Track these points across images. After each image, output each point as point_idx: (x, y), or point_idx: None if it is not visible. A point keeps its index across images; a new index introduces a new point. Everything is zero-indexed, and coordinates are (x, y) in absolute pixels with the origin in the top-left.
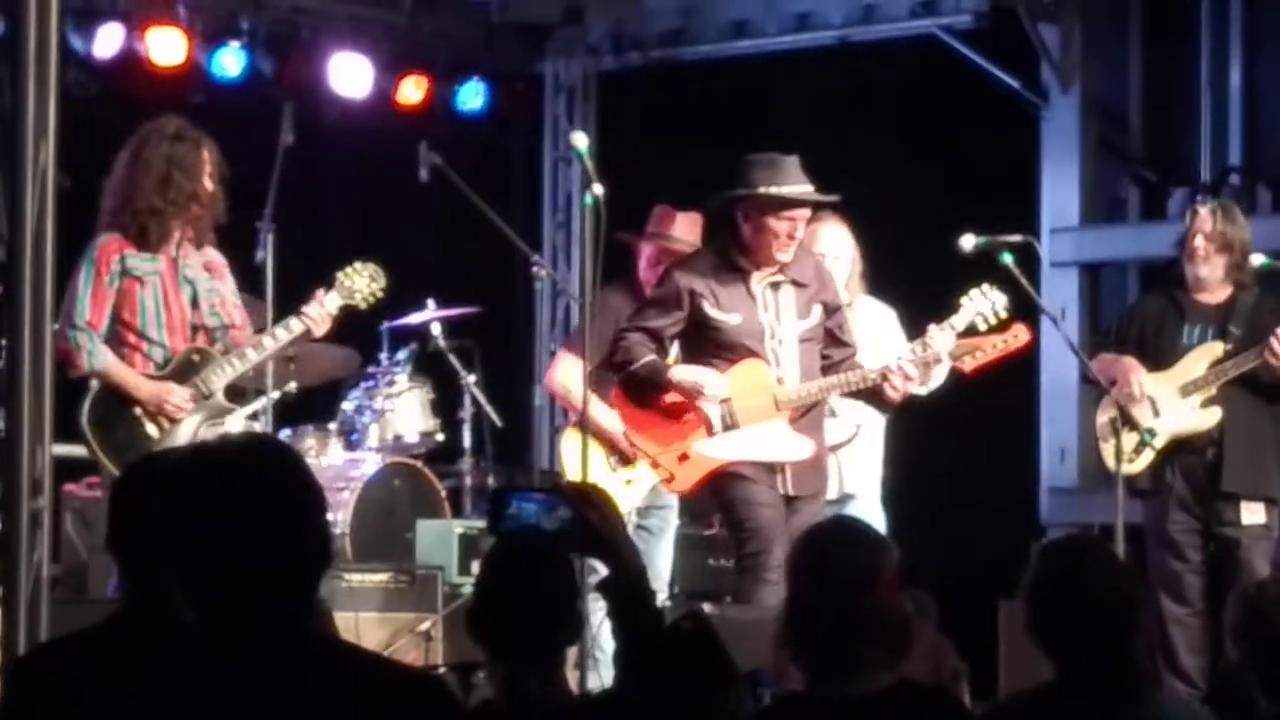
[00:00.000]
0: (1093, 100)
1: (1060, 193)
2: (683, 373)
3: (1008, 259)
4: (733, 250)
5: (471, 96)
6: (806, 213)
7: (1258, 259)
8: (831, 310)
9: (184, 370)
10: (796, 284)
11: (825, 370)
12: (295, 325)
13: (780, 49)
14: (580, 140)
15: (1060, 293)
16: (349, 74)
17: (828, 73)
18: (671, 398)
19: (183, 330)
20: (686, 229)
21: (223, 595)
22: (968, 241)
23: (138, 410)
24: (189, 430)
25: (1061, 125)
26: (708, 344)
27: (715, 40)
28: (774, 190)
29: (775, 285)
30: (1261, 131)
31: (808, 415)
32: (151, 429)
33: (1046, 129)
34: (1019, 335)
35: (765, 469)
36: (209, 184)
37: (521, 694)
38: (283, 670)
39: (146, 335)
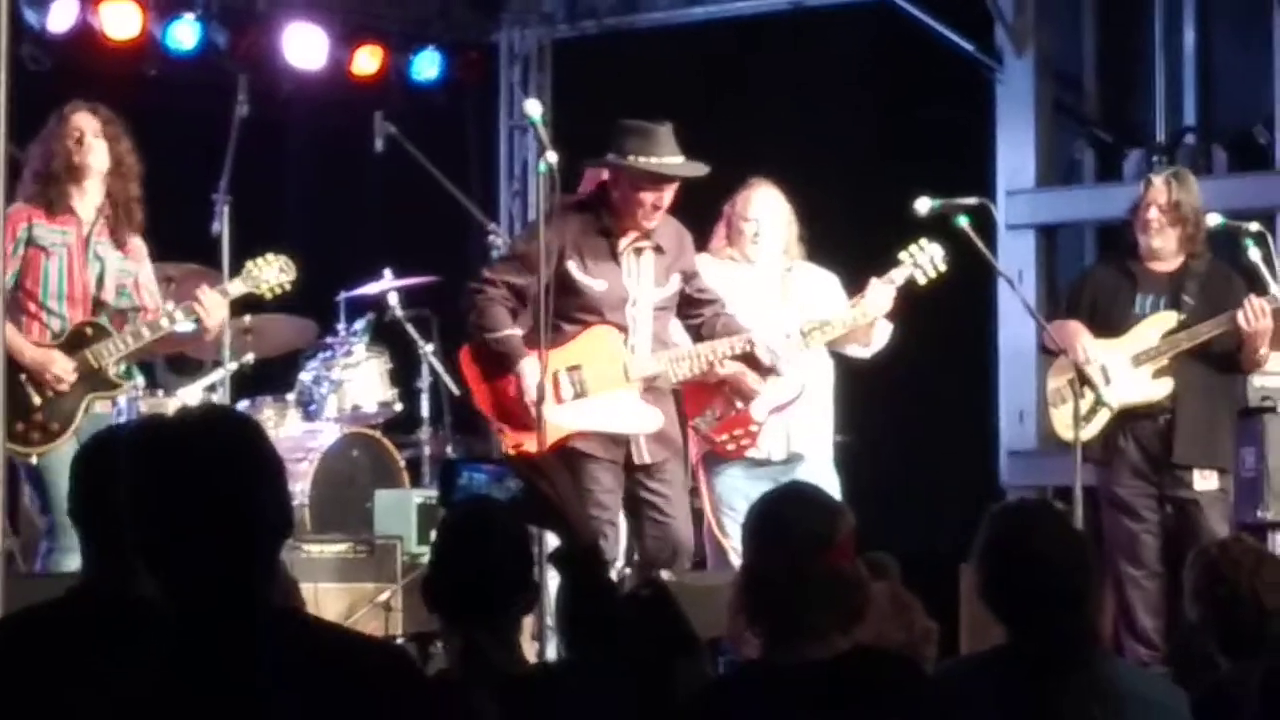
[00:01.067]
0: (1047, 62)
1: (1015, 155)
2: (532, 377)
3: (963, 222)
4: (603, 213)
5: (426, 66)
6: (674, 184)
7: (1213, 219)
8: (689, 276)
9: (75, 342)
10: (658, 250)
11: (697, 330)
12: (182, 317)
13: (735, 14)
14: (534, 108)
15: (1017, 256)
16: (303, 45)
17: (782, 38)
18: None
19: (84, 304)
20: None
21: (182, 566)
22: (923, 205)
23: (22, 376)
24: (73, 402)
25: (1016, 88)
26: (569, 304)
27: (669, 7)
28: (642, 160)
29: (639, 251)
30: (1216, 92)
31: (655, 390)
32: (35, 396)
33: (1001, 92)
34: (880, 303)
35: (612, 442)
36: (81, 151)
37: (478, 663)
38: (243, 641)
39: (46, 305)
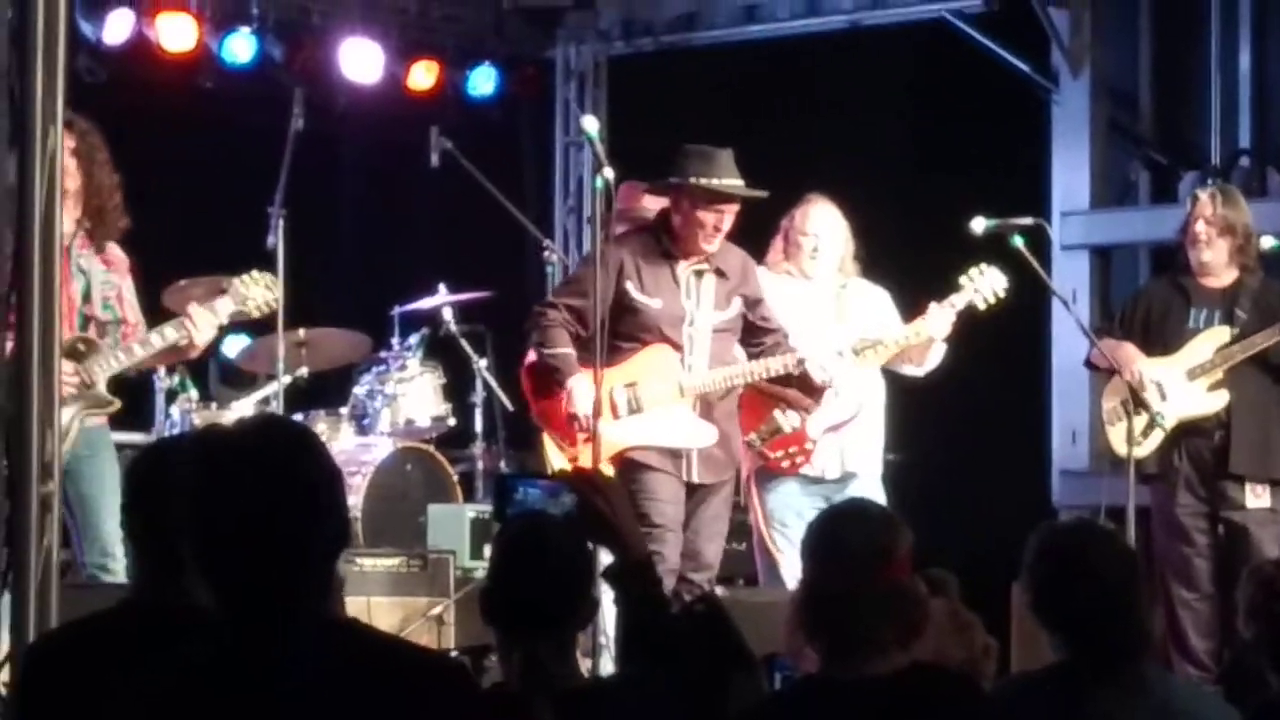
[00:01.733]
0: (1103, 84)
1: (1071, 176)
2: (578, 391)
3: (1019, 242)
4: (663, 235)
5: (482, 82)
6: (735, 206)
7: (1267, 241)
8: (753, 303)
9: (69, 356)
10: (720, 274)
11: (758, 357)
12: (170, 333)
13: (791, 33)
14: (591, 124)
15: (1071, 276)
16: (359, 60)
17: (839, 57)
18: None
19: (69, 318)
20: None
21: (237, 575)
22: (979, 224)
23: None
24: (66, 418)
25: (1072, 109)
26: (627, 323)
27: (726, 25)
28: (704, 182)
29: (699, 273)
30: (1270, 114)
31: (722, 404)
32: None
33: (1057, 113)
34: (936, 328)
35: (669, 455)
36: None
37: (538, 676)
38: (298, 652)
39: None
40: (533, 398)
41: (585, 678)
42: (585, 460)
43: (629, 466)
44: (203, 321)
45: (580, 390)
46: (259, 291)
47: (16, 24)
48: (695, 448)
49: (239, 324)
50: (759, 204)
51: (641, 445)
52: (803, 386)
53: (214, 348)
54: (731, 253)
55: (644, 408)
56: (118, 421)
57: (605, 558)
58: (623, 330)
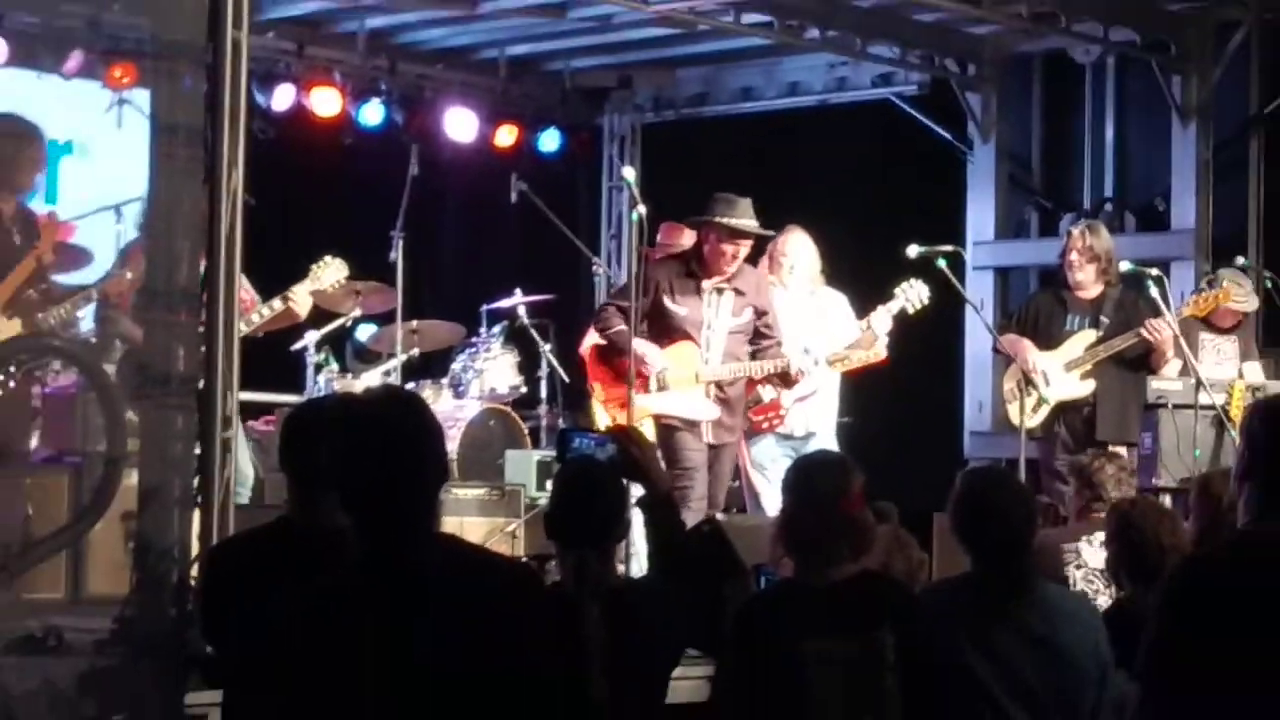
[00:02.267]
0: (1004, 148)
1: (980, 216)
2: (641, 345)
3: (942, 263)
4: (693, 260)
5: (549, 141)
6: (749, 241)
7: (1124, 265)
8: (760, 313)
9: None
10: (737, 291)
11: (753, 355)
12: (277, 304)
13: (776, 109)
14: (629, 173)
15: (980, 289)
16: (459, 123)
17: (812, 126)
18: (624, 362)
19: None
20: (685, 239)
21: (369, 504)
22: (912, 250)
23: None
24: None
25: (981, 166)
26: (661, 324)
27: (729, 102)
28: (727, 221)
29: (720, 291)
30: (1127, 172)
31: (731, 388)
32: None
33: (971, 169)
34: (880, 354)
35: (688, 423)
36: None
37: (586, 576)
38: (417, 557)
39: None
40: (592, 369)
41: (621, 579)
42: (624, 420)
43: (664, 428)
44: (299, 295)
45: (643, 345)
46: (330, 273)
47: (210, 95)
48: (701, 420)
49: (368, 315)
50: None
51: (665, 414)
52: (782, 378)
53: (349, 332)
54: (749, 274)
55: (668, 387)
56: (277, 385)
57: (638, 491)
58: (657, 328)
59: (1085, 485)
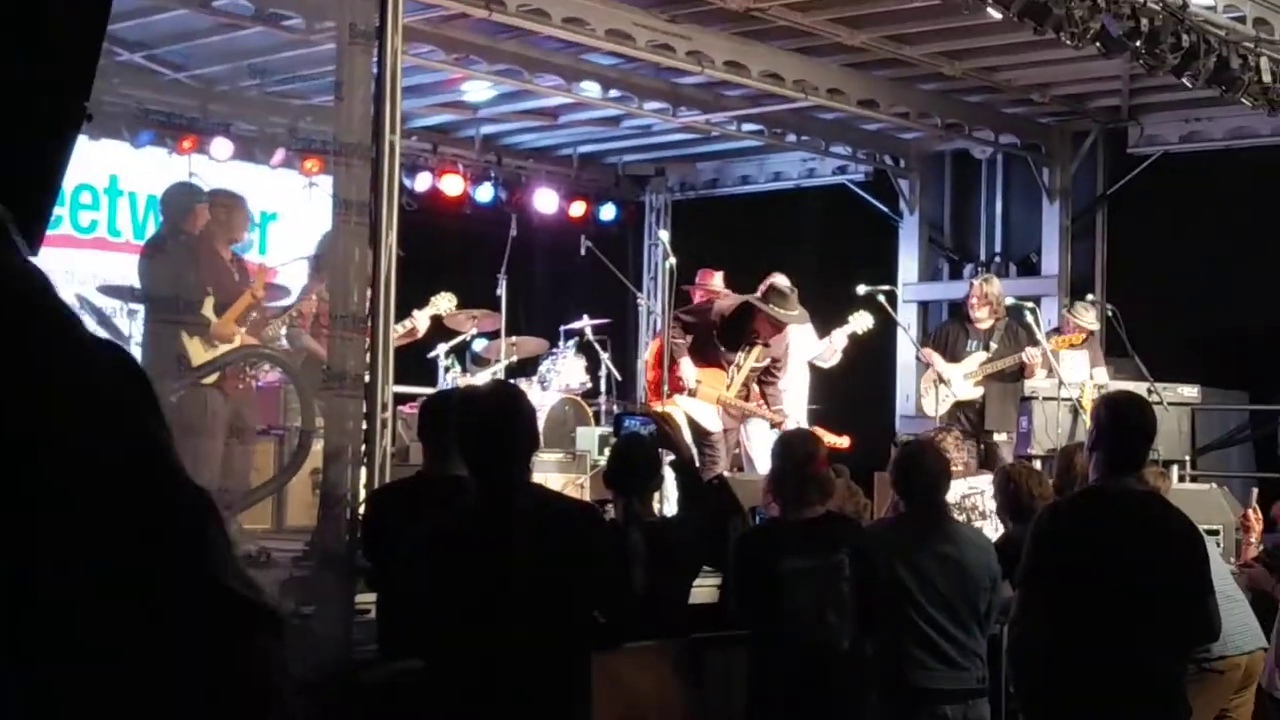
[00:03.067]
0: (925, 218)
1: (908, 265)
2: (685, 367)
3: (881, 298)
4: (744, 321)
5: (607, 212)
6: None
7: (1009, 300)
8: (775, 360)
9: None
10: (765, 345)
11: (760, 384)
12: (406, 324)
13: (765, 190)
14: (663, 235)
15: (907, 316)
16: (545, 200)
17: (790, 203)
18: (675, 369)
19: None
20: (714, 280)
21: (485, 462)
22: (860, 289)
23: None
24: None
25: (909, 231)
26: (705, 348)
27: (733, 185)
28: (779, 316)
29: (752, 345)
30: (1011, 235)
31: (736, 414)
32: None
33: (902, 233)
34: (843, 443)
35: (698, 430)
36: None
37: (631, 514)
38: (518, 499)
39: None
40: (651, 367)
41: (658, 517)
42: (658, 405)
43: (689, 417)
44: (420, 318)
45: (686, 367)
46: (444, 302)
47: (373, 180)
48: (709, 429)
49: (481, 333)
50: (752, 273)
51: (691, 415)
52: (773, 424)
53: (468, 345)
54: (779, 338)
55: (698, 396)
56: (419, 381)
57: (671, 458)
58: (702, 349)
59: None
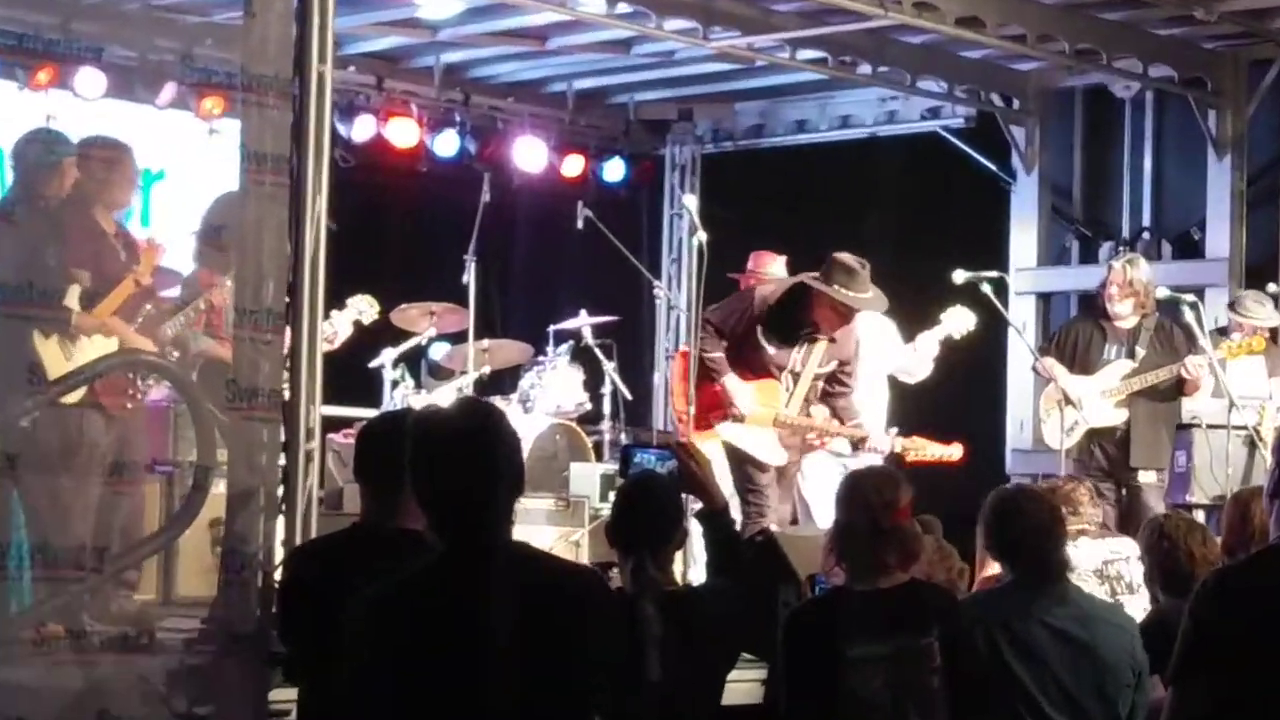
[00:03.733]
0: (1046, 180)
1: (1023, 244)
2: (731, 384)
3: (986, 288)
4: (797, 309)
5: (613, 170)
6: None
7: (1161, 292)
8: (843, 363)
9: None
10: (831, 340)
11: (826, 397)
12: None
13: (829, 141)
14: (690, 201)
15: (1022, 312)
16: (528, 153)
17: (863, 157)
18: (714, 387)
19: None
20: (773, 266)
21: (449, 511)
22: (959, 276)
23: None
24: None
25: (1025, 196)
26: (748, 355)
27: (784, 134)
28: (845, 294)
29: (814, 340)
30: (1164, 202)
31: (798, 440)
32: None
33: (1015, 199)
34: (954, 454)
35: (751, 462)
36: None
37: (643, 581)
38: (490, 562)
39: None
40: (678, 380)
41: (680, 584)
42: (695, 438)
43: (735, 451)
44: (340, 324)
45: (736, 389)
46: (364, 306)
47: (295, 125)
48: (770, 463)
49: (442, 334)
50: (810, 255)
51: (735, 446)
52: (854, 444)
53: (424, 350)
54: (847, 330)
55: (745, 420)
56: (357, 399)
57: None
58: (744, 357)
59: (1063, 503)
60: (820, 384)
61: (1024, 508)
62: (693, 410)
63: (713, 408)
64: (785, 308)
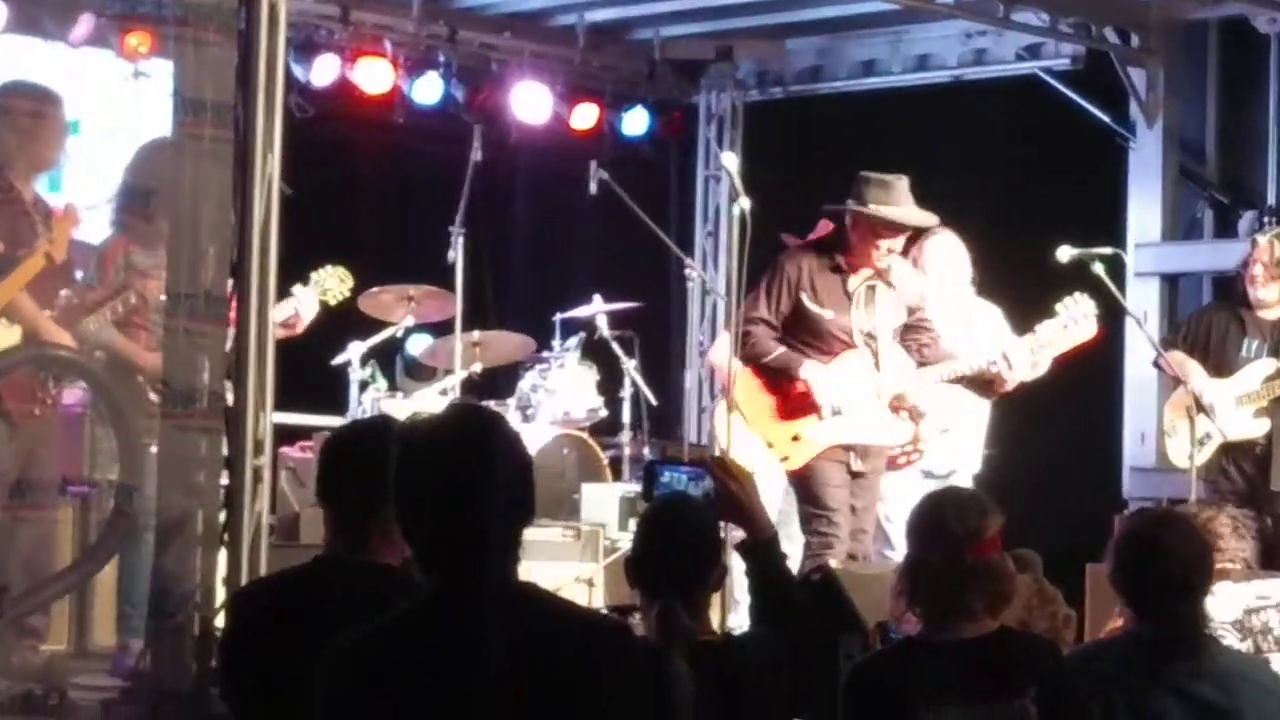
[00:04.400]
0: (1174, 134)
1: (1144, 213)
2: (812, 374)
3: (1099, 268)
4: (837, 251)
5: (635, 122)
6: (908, 232)
7: None
8: (913, 309)
9: None
10: (890, 285)
11: (918, 352)
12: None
13: (903, 86)
14: (730, 160)
15: (1143, 299)
16: (530, 101)
17: (944, 106)
18: (793, 388)
19: None
20: None
21: (438, 544)
22: (1064, 253)
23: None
24: None
25: (1146, 155)
26: (802, 330)
27: (847, 78)
28: (883, 211)
29: (872, 287)
30: None
31: (919, 404)
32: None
33: (1134, 158)
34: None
35: (844, 448)
36: None
37: (673, 630)
38: (489, 608)
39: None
40: (750, 401)
41: (718, 633)
42: (796, 460)
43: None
44: (304, 301)
45: (818, 378)
46: (333, 282)
47: (241, 67)
48: (894, 444)
49: (422, 324)
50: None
51: (845, 444)
52: (981, 388)
53: (400, 344)
54: (900, 264)
55: (844, 410)
56: (317, 404)
57: (737, 534)
58: (802, 336)
59: None
60: (906, 341)
61: (1163, 541)
62: (741, 415)
63: (799, 412)
64: (824, 257)
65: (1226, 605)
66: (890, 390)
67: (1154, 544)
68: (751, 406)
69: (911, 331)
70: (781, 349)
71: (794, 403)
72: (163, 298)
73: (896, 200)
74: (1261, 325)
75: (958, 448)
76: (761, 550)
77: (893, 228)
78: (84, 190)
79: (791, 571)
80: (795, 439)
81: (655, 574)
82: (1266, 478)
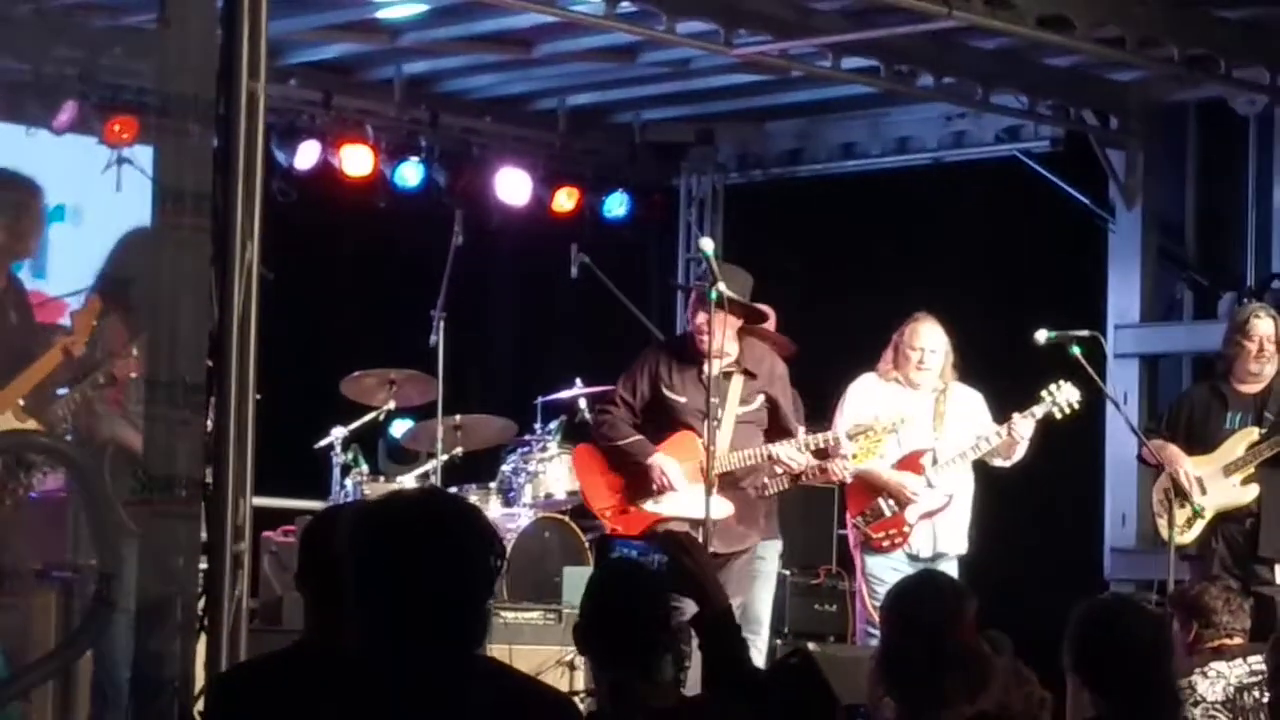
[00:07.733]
0: (1153, 215)
1: (1124, 294)
2: (662, 462)
3: (1077, 351)
4: (688, 342)
5: (616, 206)
6: (722, 314)
7: None
8: (774, 405)
9: None
10: (747, 374)
11: (767, 435)
12: None
13: (882, 168)
14: (708, 245)
15: (1123, 381)
16: (511, 185)
17: (924, 188)
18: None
19: None
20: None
21: (407, 628)
22: (1042, 335)
23: None
24: None
25: (1125, 237)
26: (659, 417)
27: (827, 160)
28: (702, 285)
29: (727, 375)
30: None
31: (747, 481)
32: None
33: (1113, 240)
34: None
35: (693, 525)
36: None
37: (625, 699)
38: (465, 690)
39: None
40: (591, 480)
41: (674, 696)
42: (613, 516)
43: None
44: None
45: (669, 464)
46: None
47: (221, 152)
48: (711, 520)
49: (404, 408)
50: (861, 313)
51: (671, 516)
52: (818, 454)
53: (382, 428)
54: (765, 357)
55: (675, 486)
56: (299, 489)
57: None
58: (658, 420)
59: (1192, 614)
60: (754, 430)
61: (1119, 622)
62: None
63: (619, 491)
64: (677, 348)
65: (1218, 684)
66: (716, 469)
67: (1112, 632)
68: (588, 483)
69: (775, 433)
70: (636, 437)
71: (626, 479)
72: (133, 375)
73: (722, 275)
74: (1243, 399)
75: (943, 531)
76: (714, 624)
77: (706, 302)
78: (67, 277)
79: (746, 644)
80: (623, 511)
81: (602, 642)
82: (1254, 547)
